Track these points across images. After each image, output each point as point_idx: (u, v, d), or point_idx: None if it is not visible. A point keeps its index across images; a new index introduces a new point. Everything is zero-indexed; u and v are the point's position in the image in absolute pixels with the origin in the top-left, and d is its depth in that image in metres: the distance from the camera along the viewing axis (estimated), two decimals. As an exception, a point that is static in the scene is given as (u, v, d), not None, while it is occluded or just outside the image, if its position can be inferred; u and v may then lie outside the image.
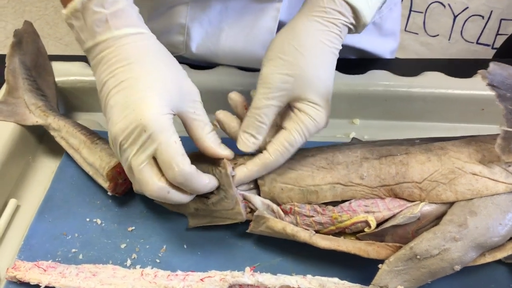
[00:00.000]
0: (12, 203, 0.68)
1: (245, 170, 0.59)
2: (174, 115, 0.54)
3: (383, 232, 0.56)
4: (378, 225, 0.57)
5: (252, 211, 0.61)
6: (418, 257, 0.53)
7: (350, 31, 0.61)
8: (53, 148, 0.75)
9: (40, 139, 0.78)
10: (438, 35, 2.01)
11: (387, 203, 0.57)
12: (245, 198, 0.60)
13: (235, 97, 0.61)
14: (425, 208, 0.56)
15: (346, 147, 0.62)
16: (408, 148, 0.59)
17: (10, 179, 0.71)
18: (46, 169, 0.74)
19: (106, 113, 0.55)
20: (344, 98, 0.78)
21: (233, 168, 0.59)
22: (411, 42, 2.06)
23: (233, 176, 0.58)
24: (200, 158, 0.59)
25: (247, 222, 0.62)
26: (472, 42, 1.97)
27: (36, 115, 0.73)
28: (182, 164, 0.52)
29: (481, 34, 1.94)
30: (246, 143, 0.59)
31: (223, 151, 0.58)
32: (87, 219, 0.66)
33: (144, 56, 0.55)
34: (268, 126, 0.58)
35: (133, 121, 0.51)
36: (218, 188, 0.59)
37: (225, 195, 0.58)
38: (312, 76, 0.57)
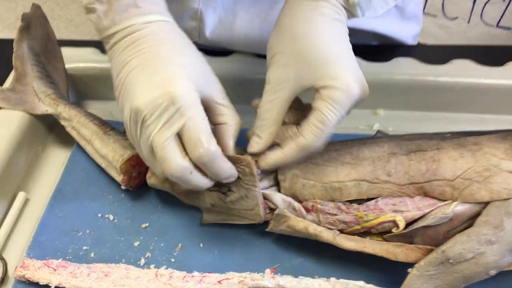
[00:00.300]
0: (21, 196, 0.65)
1: (280, 155, 0.55)
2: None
3: (412, 233, 0.53)
4: (407, 225, 0.53)
5: (271, 211, 0.58)
6: (450, 261, 0.50)
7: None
8: (63, 138, 0.73)
9: (50, 129, 0.75)
10: (457, 17, 1.95)
11: (417, 202, 0.54)
12: (265, 197, 0.57)
13: (258, 103, 0.58)
14: (458, 208, 0.52)
15: (371, 141, 0.58)
16: (439, 143, 0.55)
17: (18, 171, 0.68)
18: (56, 160, 0.71)
19: (123, 91, 0.52)
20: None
21: (258, 167, 0.56)
22: (429, 25, 2.00)
23: (258, 175, 0.56)
24: None
25: (265, 223, 0.59)
26: (492, 25, 1.92)
27: (46, 104, 0.70)
28: (208, 143, 0.49)
29: (501, 17, 1.89)
30: (250, 143, 0.56)
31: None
32: (99, 215, 0.63)
33: (173, 39, 0.53)
34: (272, 123, 0.55)
35: (162, 94, 0.49)
36: (238, 185, 0.55)
37: (246, 194, 0.55)
38: (314, 54, 0.53)
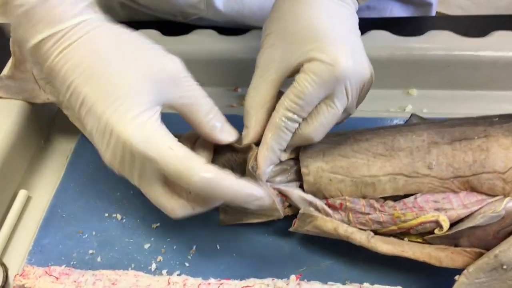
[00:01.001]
0: (22, 194, 0.60)
1: (263, 151, 0.49)
2: (161, 107, 0.46)
3: (457, 234, 0.47)
4: (451, 225, 0.47)
5: (291, 205, 0.52)
6: (504, 267, 0.43)
7: None
8: (67, 129, 0.67)
9: (52, 119, 0.70)
10: (484, -14, 1.88)
11: (462, 199, 0.47)
12: (281, 193, 0.51)
13: None
14: (510, 204, 0.46)
15: (407, 128, 0.52)
16: (487, 129, 0.49)
17: (19, 166, 0.63)
18: (59, 154, 0.66)
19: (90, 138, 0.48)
20: (398, 64, 0.68)
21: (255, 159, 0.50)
22: (456, -4, 1.93)
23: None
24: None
25: (287, 218, 0.53)
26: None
27: (47, 92, 0.65)
28: (195, 171, 0.43)
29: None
30: (242, 136, 0.51)
31: (223, 136, 0.50)
32: (106, 214, 0.58)
33: (98, 53, 0.45)
34: (258, 109, 0.50)
35: (117, 148, 0.44)
36: None
37: None
38: (302, 30, 0.48)
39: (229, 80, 0.71)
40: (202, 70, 0.70)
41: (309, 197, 0.51)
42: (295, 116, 0.47)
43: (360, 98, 0.50)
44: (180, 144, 0.44)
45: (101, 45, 0.45)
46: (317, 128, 0.48)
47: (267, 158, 0.49)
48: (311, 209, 0.50)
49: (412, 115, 0.59)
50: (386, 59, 0.66)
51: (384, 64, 0.66)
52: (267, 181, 0.51)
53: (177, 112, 0.48)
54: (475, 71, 0.68)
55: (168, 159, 0.43)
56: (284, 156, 0.52)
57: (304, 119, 0.48)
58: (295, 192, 0.51)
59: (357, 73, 0.47)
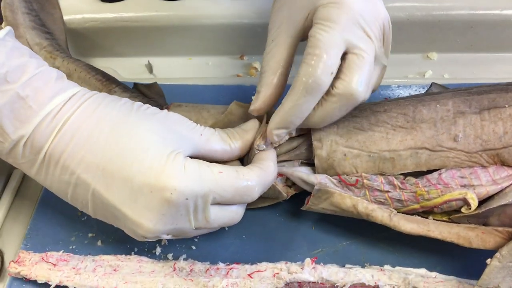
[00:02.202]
0: (17, 174, 0.58)
1: (281, 111, 0.45)
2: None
3: (487, 213, 0.44)
4: (480, 203, 0.44)
5: (294, 184, 0.49)
6: (541, 248, 0.40)
7: None
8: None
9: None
10: None
11: (492, 174, 0.44)
12: (283, 174, 0.49)
13: None
14: (545, 179, 0.43)
15: (430, 97, 0.48)
16: (519, 96, 0.45)
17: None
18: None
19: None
20: (417, 26, 0.65)
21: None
22: None
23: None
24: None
25: (300, 197, 0.50)
26: None
27: (42, 58, 0.61)
28: (253, 188, 0.43)
29: None
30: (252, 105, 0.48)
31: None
32: (106, 194, 0.54)
33: (103, 129, 0.41)
34: (271, 73, 0.46)
35: (162, 203, 0.40)
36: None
37: None
38: None
39: (234, 48, 0.68)
40: (205, 38, 0.66)
41: (312, 177, 0.47)
42: (318, 72, 0.42)
43: (386, 43, 0.46)
44: (224, 165, 0.43)
45: (104, 120, 0.42)
46: (354, 82, 0.42)
47: (279, 122, 0.45)
48: (327, 184, 0.47)
49: (433, 84, 0.55)
50: (404, 20, 0.63)
51: (402, 25, 0.63)
52: None
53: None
54: (501, 32, 0.65)
55: (226, 186, 0.42)
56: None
57: (336, 77, 0.43)
58: (294, 174, 0.48)
59: (368, 10, 0.43)
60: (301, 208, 0.49)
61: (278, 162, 0.48)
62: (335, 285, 0.45)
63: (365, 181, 0.46)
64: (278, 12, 0.48)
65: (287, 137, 0.47)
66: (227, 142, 0.46)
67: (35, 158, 0.41)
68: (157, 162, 0.40)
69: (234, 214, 0.44)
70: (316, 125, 0.45)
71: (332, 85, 0.43)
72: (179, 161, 0.40)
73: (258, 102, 0.47)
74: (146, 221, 0.40)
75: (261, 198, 0.48)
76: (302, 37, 0.46)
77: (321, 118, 0.44)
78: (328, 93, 0.43)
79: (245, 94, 0.52)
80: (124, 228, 0.43)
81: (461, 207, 0.44)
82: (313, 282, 0.45)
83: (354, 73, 0.42)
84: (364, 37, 0.43)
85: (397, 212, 0.46)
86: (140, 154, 0.40)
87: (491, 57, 0.66)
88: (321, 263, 0.47)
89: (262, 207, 0.51)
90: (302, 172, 0.48)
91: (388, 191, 0.46)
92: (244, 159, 0.48)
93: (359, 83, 0.42)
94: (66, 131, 0.40)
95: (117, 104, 0.43)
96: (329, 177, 0.47)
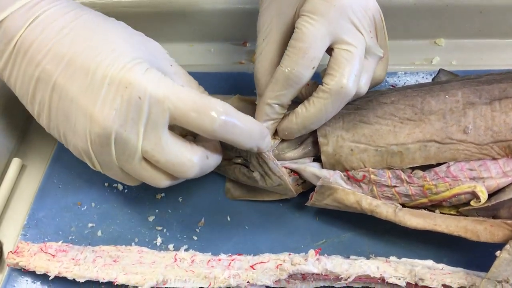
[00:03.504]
0: (15, 163, 0.57)
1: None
2: None
3: (497, 206, 0.43)
4: (490, 195, 0.43)
5: (305, 181, 0.49)
6: (551, 242, 0.40)
7: None
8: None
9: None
10: None
11: (502, 166, 0.44)
12: (294, 171, 0.48)
13: None
14: (557, 172, 0.42)
15: (439, 87, 0.47)
16: (531, 86, 0.44)
17: (11, 132, 0.59)
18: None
19: (58, 116, 0.42)
20: (424, 11, 0.63)
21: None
22: None
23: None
24: None
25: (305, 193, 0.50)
26: None
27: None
28: (216, 112, 0.39)
29: None
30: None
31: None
32: (106, 184, 0.55)
33: (78, 20, 0.42)
34: (266, 74, 0.46)
35: (123, 97, 0.39)
36: (255, 163, 0.48)
37: (265, 172, 0.47)
38: None
39: (237, 34, 0.67)
40: (207, 24, 0.65)
41: (324, 172, 0.47)
42: (299, 66, 0.42)
43: (380, 34, 0.46)
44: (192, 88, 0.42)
45: (84, 16, 0.43)
46: (344, 77, 0.42)
47: (262, 112, 0.46)
48: (331, 180, 0.46)
49: (440, 70, 0.54)
50: (411, 5, 0.61)
51: (408, 11, 0.61)
52: (278, 159, 0.48)
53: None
54: (511, 17, 0.63)
55: (184, 97, 0.39)
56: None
57: (326, 73, 0.43)
58: (307, 169, 0.47)
59: (357, 2, 0.43)
60: (306, 204, 0.49)
61: (289, 159, 0.48)
62: (339, 277, 0.44)
63: (372, 176, 0.46)
64: (266, 10, 0.47)
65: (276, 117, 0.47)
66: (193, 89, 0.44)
67: (5, 48, 0.42)
68: (121, 60, 0.40)
69: (188, 154, 0.42)
70: (313, 124, 0.45)
71: (322, 82, 0.43)
72: (142, 65, 0.40)
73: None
74: (98, 113, 0.39)
75: (268, 192, 0.48)
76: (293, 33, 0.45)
77: (316, 116, 0.44)
78: (318, 90, 0.43)
79: (247, 81, 0.51)
80: (74, 134, 0.41)
81: (470, 200, 0.44)
82: (316, 274, 0.45)
83: (343, 68, 0.42)
84: (352, 30, 0.43)
85: (406, 206, 0.46)
86: (107, 51, 0.40)
87: (501, 43, 0.65)
88: (325, 255, 0.46)
89: (265, 199, 0.51)
90: (314, 168, 0.47)
91: (395, 186, 0.45)
92: None
93: (348, 78, 0.42)
94: (39, 23, 0.41)
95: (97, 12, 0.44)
96: (340, 173, 0.47)
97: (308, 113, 0.44)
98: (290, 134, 0.46)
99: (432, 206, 0.46)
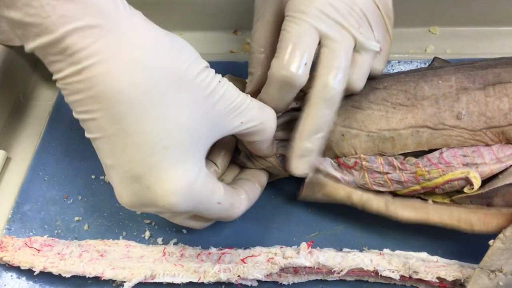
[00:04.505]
0: (0, 155, 0.56)
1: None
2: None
3: (491, 193, 0.43)
4: (484, 182, 0.43)
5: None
6: (546, 230, 0.39)
7: None
8: (48, 79, 0.63)
9: (33, 67, 0.65)
10: None
11: (496, 152, 0.43)
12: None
13: None
14: (553, 158, 0.42)
15: (432, 72, 0.47)
16: (526, 71, 0.44)
17: (-5, 124, 0.59)
18: (39, 109, 0.62)
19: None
20: None
21: None
22: None
23: None
24: None
25: (297, 178, 0.48)
26: None
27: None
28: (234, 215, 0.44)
29: None
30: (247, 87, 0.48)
31: None
32: (93, 176, 0.54)
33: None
34: (259, 55, 0.46)
35: (148, 199, 0.38)
36: (241, 144, 0.48)
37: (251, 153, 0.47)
38: None
39: (227, 22, 0.66)
40: (196, 12, 0.64)
41: None
42: (291, 67, 0.41)
43: (377, 28, 0.45)
44: (224, 192, 0.41)
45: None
46: (329, 77, 0.41)
47: None
48: (319, 176, 0.45)
49: (435, 58, 0.54)
50: (404, -7, 0.61)
51: (402, -1, 0.60)
52: None
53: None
54: (506, 5, 0.62)
55: (214, 213, 0.41)
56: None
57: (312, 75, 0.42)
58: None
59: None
60: (297, 199, 0.48)
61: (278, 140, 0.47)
62: (332, 270, 0.44)
63: (363, 162, 0.45)
64: None
65: None
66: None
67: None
68: (168, 169, 0.37)
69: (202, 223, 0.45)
70: (318, 133, 0.43)
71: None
72: (189, 178, 0.37)
73: (253, 85, 0.46)
74: (125, 197, 0.38)
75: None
76: None
77: (313, 125, 0.43)
78: (306, 97, 0.43)
79: (239, 71, 0.50)
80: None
81: (463, 187, 0.43)
82: (309, 267, 0.44)
83: (326, 68, 0.41)
84: (335, 26, 0.42)
85: (398, 193, 0.45)
86: (156, 149, 0.36)
87: (495, 31, 0.64)
88: (318, 247, 0.46)
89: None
90: None
91: (387, 173, 0.45)
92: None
93: (333, 77, 0.41)
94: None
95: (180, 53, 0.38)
96: (331, 160, 0.46)
97: (304, 125, 0.43)
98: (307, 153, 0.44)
99: (425, 194, 0.46)
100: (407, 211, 0.44)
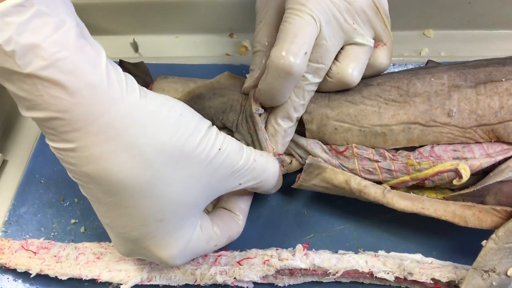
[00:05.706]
0: (-5, 159, 0.57)
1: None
2: None
3: (483, 191, 0.43)
4: (476, 179, 0.44)
5: (291, 162, 0.50)
6: (539, 228, 0.40)
7: None
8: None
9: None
10: None
11: (486, 148, 0.44)
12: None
13: None
14: (544, 156, 0.43)
15: (425, 70, 0.48)
16: (517, 70, 0.45)
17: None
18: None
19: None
20: (413, 2, 0.63)
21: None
22: None
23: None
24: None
25: (290, 179, 0.49)
26: None
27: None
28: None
29: None
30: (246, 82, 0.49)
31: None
32: (89, 179, 0.53)
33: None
34: (261, 53, 0.48)
35: (148, 257, 0.42)
36: (242, 130, 0.48)
37: (252, 140, 0.48)
38: None
39: (223, 25, 0.66)
40: (193, 15, 0.65)
41: (302, 140, 0.48)
42: (290, 57, 0.41)
43: (377, 25, 0.46)
44: (221, 232, 0.44)
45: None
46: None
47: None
48: (319, 159, 0.46)
49: (429, 61, 0.54)
50: (398, -5, 0.61)
51: (397, 1, 0.60)
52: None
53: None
54: (500, 8, 0.63)
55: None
56: None
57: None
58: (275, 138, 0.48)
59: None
60: (292, 186, 0.48)
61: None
62: (328, 272, 0.44)
63: (354, 149, 0.46)
64: None
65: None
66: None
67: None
68: (163, 239, 0.39)
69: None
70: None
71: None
72: (184, 240, 0.40)
73: (252, 81, 0.48)
74: (122, 250, 0.41)
75: None
76: None
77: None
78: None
79: (235, 73, 0.50)
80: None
81: (453, 179, 0.44)
82: (304, 269, 0.45)
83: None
84: (332, 21, 0.43)
85: (387, 185, 0.46)
86: (150, 221, 0.38)
87: (489, 34, 0.64)
88: (313, 249, 0.46)
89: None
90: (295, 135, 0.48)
91: (377, 161, 0.45)
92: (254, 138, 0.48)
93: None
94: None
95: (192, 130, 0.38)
96: (320, 142, 0.48)
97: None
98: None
99: (416, 188, 0.46)
100: (403, 200, 0.44)
